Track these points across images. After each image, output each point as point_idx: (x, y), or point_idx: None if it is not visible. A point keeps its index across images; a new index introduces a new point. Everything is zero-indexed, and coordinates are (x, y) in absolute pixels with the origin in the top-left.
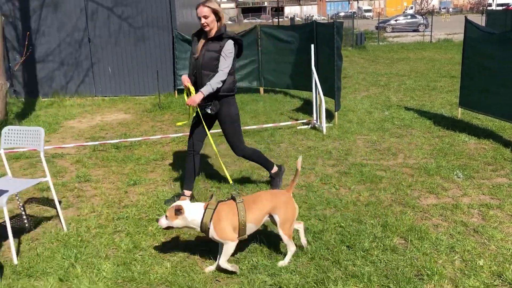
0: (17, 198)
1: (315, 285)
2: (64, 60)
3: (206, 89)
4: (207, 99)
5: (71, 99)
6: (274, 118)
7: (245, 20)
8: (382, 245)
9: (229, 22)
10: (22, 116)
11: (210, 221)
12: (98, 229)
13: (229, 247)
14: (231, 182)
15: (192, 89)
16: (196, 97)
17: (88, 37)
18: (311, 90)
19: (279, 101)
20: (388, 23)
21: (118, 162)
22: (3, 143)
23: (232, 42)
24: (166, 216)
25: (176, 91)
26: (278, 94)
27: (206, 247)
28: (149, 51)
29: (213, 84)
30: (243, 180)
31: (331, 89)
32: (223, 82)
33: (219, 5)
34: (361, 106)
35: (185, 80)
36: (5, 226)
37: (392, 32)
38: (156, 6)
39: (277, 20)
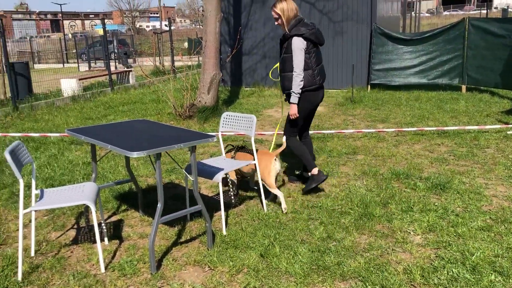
0: (227, 176)
1: None
2: (266, 53)
3: (293, 99)
4: (287, 95)
5: (269, 90)
6: (478, 119)
7: (445, 12)
8: None
9: (426, 15)
10: (228, 103)
11: None
12: (293, 214)
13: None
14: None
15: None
16: (292, 110)
17: None
18: None
19: (485, 101)
20: None
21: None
22: (221, 127)
23: (297, 38)
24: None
25: (369, 86)
26: (483, 93)
27: (401, 249)
28: (346, 45)
29: (295, 90)
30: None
31: None
32: (303, 80)
33: (287, 3)
34: None
35: None
36: (217, 200)
37: None
38: (357, 0)
39: (485, 11)
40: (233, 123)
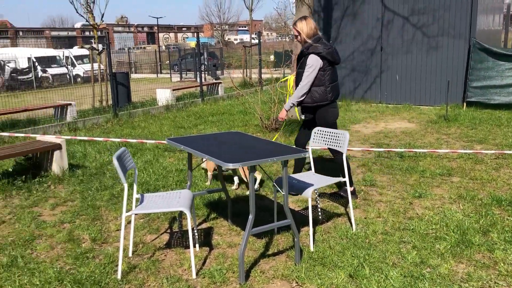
0: (315, 191)
1: None
2: (355, 67)
3: (287, 105)
4: (304, 109)
5: (356, 104)
6: None
7: None
8: None
9: None
10: None
11: None
12: (384, 235)
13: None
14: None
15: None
16: (281, 114)
17: (381, 45)
18: None
19: None
20: None
21: (402, 171)
22: (312, 142)
23: (314, 55)
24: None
25: (465, 104)
26: None
27: (505, 282)
28: (440, 60)
29: (293, 99)
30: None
31: None
32: (305, 94)
33: (307, 23)
34: None
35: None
36: (304, 215)
37: None
38: (454, 14)
39: None
40: (324, 138)
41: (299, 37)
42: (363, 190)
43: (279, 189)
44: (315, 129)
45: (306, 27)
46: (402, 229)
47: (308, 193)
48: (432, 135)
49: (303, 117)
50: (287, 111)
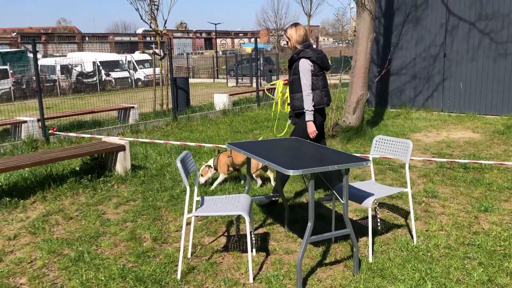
0: (375, 201)
1: None
2: (416, 73)
3: (309, 116)
4: (296, 115)
5: (417, 112)
6: None
7: None
8: None
9: None
10: (373, 124)
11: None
12: (447, 250)
13: (221, 178)
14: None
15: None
16: (310, 129)
17: (444, 52)
18: None
19: None
20: None
21: (466, 184)
22: (373, 150)
23: (305, 59)
24: (201, 175)
25: None
26: None
27: None
28: (510, 67)
29: (307, 107)
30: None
31: None
32: (313, 98)
33: (297, 30)
34: None
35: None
36: (362, 224)
37: None
38: None
39: None
40: (386, 147)
41: (289, 43)
42: (424, 202)
43: (339, 198)
44: (377, 137)
45: (296, 33)
46: (466, 244)
47: (368, 203)
48: (499, 146)
49: (289, 121)
50: (312, 120)
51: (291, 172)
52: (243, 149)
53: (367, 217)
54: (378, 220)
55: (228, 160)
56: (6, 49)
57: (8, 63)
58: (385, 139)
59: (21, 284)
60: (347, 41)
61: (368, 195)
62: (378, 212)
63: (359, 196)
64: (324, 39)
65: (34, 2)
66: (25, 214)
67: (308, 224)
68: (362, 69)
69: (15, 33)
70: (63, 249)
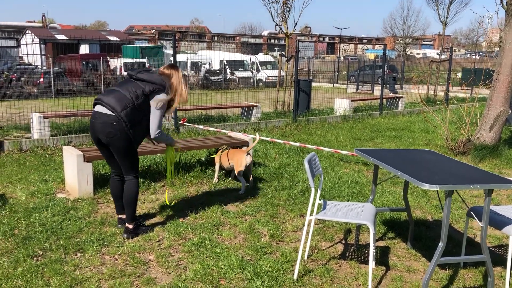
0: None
1: None
2: None
3: None
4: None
5: None
6: None
7: None
8: None
9: None
10: (510, 144)
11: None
12: None
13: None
14: None
15: None
16: None
17: None
18: None
19: None
20: None
21: None
22: None
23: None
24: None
25: None
26: None
27: None
28: None
29: None
30: None
31: None
32: None
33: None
34: None
35: None
36: (497, 254)
37: None
38: None
39: None
40: None
41: None
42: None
43: (476, 220)
44: None
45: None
46: None
47: (509, 230)
48: None
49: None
50: None
51: (427, 186)
52: (373, 156)
53: (502, 246)
54: None
55: (219, 158)
56: (145, 44)
57: (146, 57)
58: None
59: (149, 260)
60: (480, 53)
61: (510, 221)
62: None
63: (498, 221)
64: (455, 49)
65: (172, 2)
66: (155, 196)
67: (440, 244)
68: (505, 83)
69: (154, 30)
70: (187, 233)
